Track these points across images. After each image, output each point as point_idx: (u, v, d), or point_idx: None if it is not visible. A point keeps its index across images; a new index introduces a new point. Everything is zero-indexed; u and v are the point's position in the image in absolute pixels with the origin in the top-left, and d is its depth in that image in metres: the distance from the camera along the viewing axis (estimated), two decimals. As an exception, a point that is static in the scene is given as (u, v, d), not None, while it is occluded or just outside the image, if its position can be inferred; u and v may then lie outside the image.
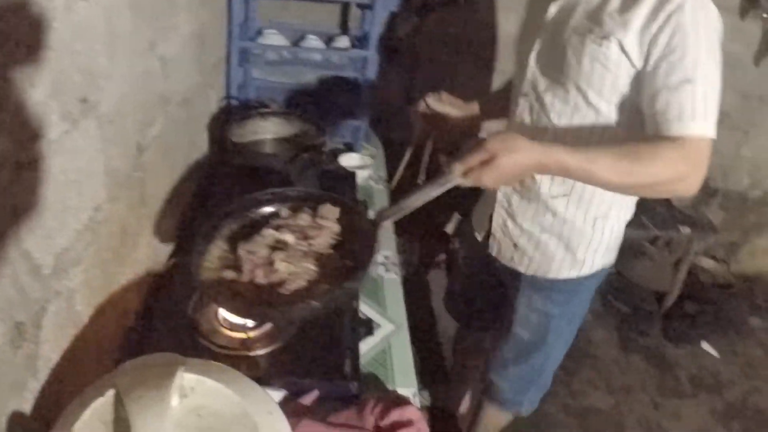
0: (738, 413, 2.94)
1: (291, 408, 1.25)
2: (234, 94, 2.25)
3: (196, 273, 1.21)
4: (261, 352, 1.31)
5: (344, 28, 2.52)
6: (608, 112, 1.36)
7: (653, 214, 3.13)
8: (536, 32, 1.46)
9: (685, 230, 3.14)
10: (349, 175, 1.97)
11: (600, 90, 1.33)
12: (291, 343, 1.35)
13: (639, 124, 1.31)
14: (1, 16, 0.84)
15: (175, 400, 0.90)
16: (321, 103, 2.32)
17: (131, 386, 0.89)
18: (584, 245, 1.58)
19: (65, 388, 1.13)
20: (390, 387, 1.43)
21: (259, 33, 2.40)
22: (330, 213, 1.33)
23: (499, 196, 1.62)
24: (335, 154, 2.13)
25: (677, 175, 1.22)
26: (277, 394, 1.27)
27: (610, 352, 3.18)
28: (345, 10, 2.59)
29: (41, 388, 1.06)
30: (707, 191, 3.50)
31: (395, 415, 1.26)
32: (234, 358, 1.28)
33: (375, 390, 1.41)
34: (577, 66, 1.33)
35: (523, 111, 1.51)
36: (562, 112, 1.41)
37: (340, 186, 1.91)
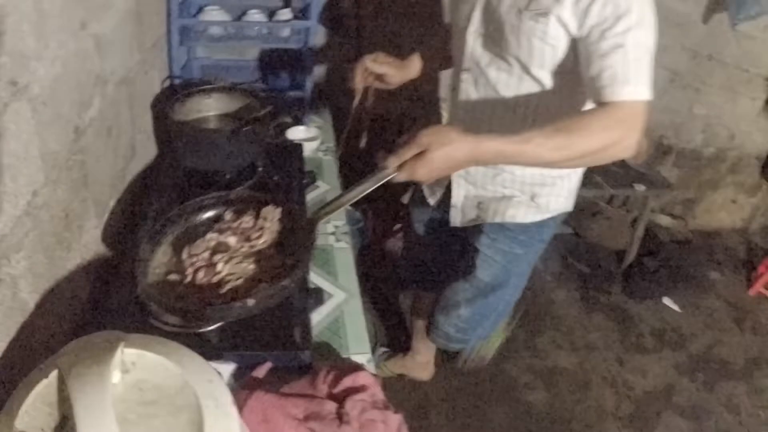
0: (702, 365, 3.03)
1: (243, 381, 1.26)
2: (177, 74, 2.22)
3: (142, 279, 1.23)
4: (211, 327, 1.30)
5: (286, 1, 2.49)
6: (552, 82, 1.39)
7: (608, 173, 3.18)
8: (469, 8, 1.48)
9: (641, 188, 3.20)
10: (296, 148, 1.96)
11: (541, 63, 1.36)
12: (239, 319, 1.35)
13: (582, 91, 1.35)
14: None
15: (116, 376, 0.90)
16: (267, 77, 2.31)
17: (73, 365, 0.88)
18: (546, 194, 1.64)
19: (16, 377, 1.12)
20: (344, 355, 1.45)
21: (200, 10, 2.36)
22: (271, 214, 1.37)
23: None
24: (281, 127, 2.11)
25: (610, 141, 1.24)
26: (229, 368, 1.28)
27: (572, 312, 3.24)
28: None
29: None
30: (661, 149, 3.56)
31: (348, 381, 1.28)
32: (185, 336, 1.27)
33: (330, 358, 1.43)
34: (515, 42, 1.36)
35: (468, 85, 1.54)
36: (509, 84, 1.45)
37: (286, 159, 1.89)
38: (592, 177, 3.09)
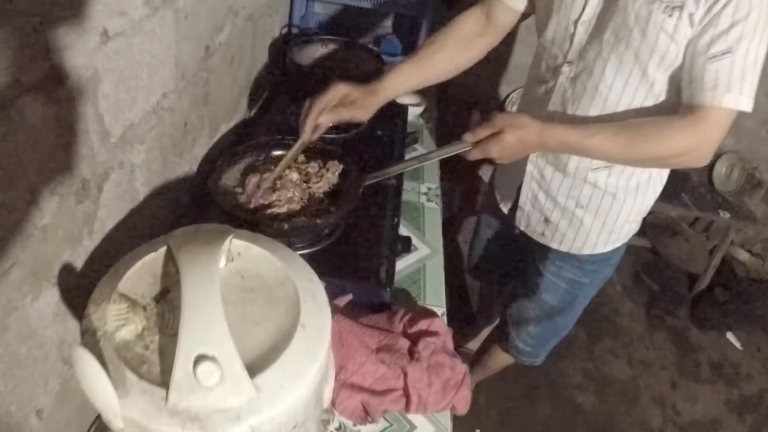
0: (753, 407, 2.95)
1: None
2: (296, 23, 2.30)
3: (214, 185, 1.39)
4: (303, 251, 1.37)
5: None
6: (662, 83, 1.31)
7: (695, 194, 3.13)
8: None
9: (725, 216, 3.13)
10: (401, 109, 2.02)
11: (661, 61, 1.27)
12: (332, 246, 1.43)
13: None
14: None
15: (222, 261, 0.96)
16: (380, 40, 2.36)
17: (183, 245, 0.94)
18: (623, 217, 1.55)
19: (115, 255, 1.21)
20: (420, 303, 1.51)
21: (326, -33, 2.43)
22: (334, 167, 1.48)
23: (530, 167, 1.57)
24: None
25: (684, 149, 1.25)
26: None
27: (635, 326, 3.20)
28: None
29: (93, 248, 1.14)
30: (752, 182, 3.48)
31: (423, 324, 1.33)
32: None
33: (407, 302, 1.49)
34: (640, 36, 1.25)
35: (566, 80, 1.42)
36: (615, 82, 1.34)
37: (392, 118, 1.95)
38: (679, 195, 3.05)
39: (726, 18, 1.17)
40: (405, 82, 1.50)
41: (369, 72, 1.78)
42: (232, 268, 0.98)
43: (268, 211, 1.36)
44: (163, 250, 0.98)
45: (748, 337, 3.33)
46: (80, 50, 0.94)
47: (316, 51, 1.93)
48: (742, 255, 3.76)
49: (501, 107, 3.07)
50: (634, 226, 1.61)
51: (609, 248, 1.62)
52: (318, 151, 1.52)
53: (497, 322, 2.17)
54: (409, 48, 2.47)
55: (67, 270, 1.05)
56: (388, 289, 1.38)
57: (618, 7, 1.27)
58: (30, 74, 0.84)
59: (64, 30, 0.89)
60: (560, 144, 1.29)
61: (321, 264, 1.35)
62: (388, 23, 2.56)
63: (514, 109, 3.02)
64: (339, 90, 1.39)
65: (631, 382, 2.89)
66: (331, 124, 1.41)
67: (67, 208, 1.01)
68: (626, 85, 1.33)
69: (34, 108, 0.86)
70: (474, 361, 2.33)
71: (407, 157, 1.91)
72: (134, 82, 1.15)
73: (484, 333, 2.43)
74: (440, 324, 1.35)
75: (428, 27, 2.35)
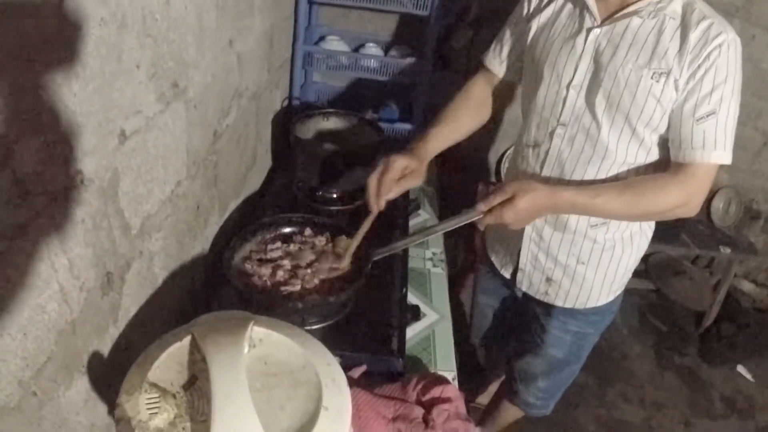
0: (769, 438, 2.93)
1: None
2: (296, 95, 2.39)
3: (227, 264, 1.45)
4: (316, 327, 1.42)
5: (401, 37, 2.63)
6: (651, 141, 1.40)
7: (695, 232, 3.16)
8: (569, 56, 1.43)
9: (726, 251, 3.16)
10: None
11: (648, 122, 1.36)
12: (343, 321, 1.47)
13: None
14: (118, 3, 0.99)
15: (245, 348, 1.00)
16: (378, 107, 2.43)
17: (207, 333, 0.99)
18: (622, 267, 1.61)
19: (138, 340, 1.26)
20: (432, 369, 1.54)
21: (322, 38, 2.54)
22: (342, 243, 1.55)
23: (528, 229, 1.62)
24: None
25: (678, 203, 1.35)
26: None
27: (645, 367, 3.20)
28: (401, 19, 2.69)
29: (118, 335, 1.19)
30: (750, 213, 3.51)
31: (436, 392, 1.36)
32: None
33: (419, 371, 1.51)
34: (629, 99, 1.35)
35: (561, 141, 1.48)
36: (609, 142, 1.42)
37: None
38: (679, 235, 3.09)
39: (708, 83, 1.29)
40: (442, 144, 1.60)
41: (371, 143, 1.84)
42: (254, 354, 1.02)
43: (282, 288, 1.41)
44: (188, 339, 1.02)
45: (759, 368, 3.33)
46: (100, 154, 1.01)
47: (318, 124, 2.00)
48: (747, 286, 3.77)
49: (498, 162, 3.13)
50: (631, 273, 1.67)
51: (611, 298, 1.67)
52: (325, 226, 1.59)
53: (504, 376, 2.20)
54: (406, 113, 2.55)
55: (95, 358, 1.10)
56: (401, 359, 1.43)
57: (608, 72, 1.37)
58: (54, 183, 0.90)
59: (85, 138, 0.95)
60: (570, 205, 1.36)
61: (334, 338, 1.42)
62: (384, 90, 2.65)
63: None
64: (400, 163, 1.45)
65: (645, 424, 2.87)
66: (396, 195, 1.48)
67: (93, 302, 1.06)
68: (619, 141, 1.41)
69: (61, 212, 0.92)
70: (485, 415, 2.35)
71: (411, 223, 1.97)
72: (150, 176, 1.21)
73: (493, 387, 2.44)
74: (452, 390, 1.38)
75: (424, 91, 2.43)
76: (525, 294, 1.75)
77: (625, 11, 1.34)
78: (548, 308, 1.72)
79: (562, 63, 1.44)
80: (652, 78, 1.32)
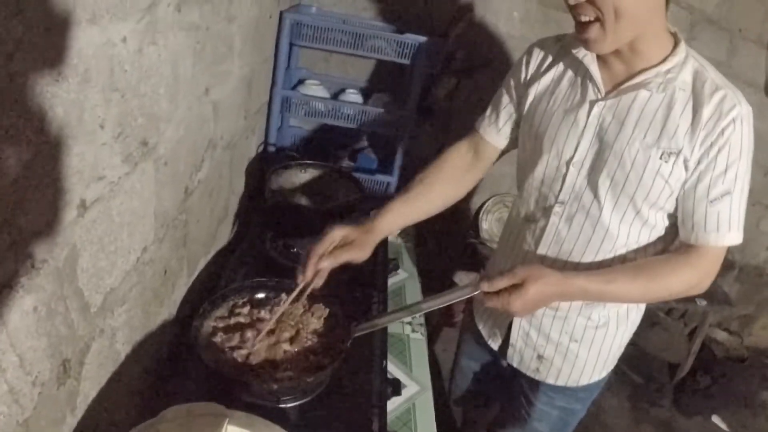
0: (745, 490, 2.88)
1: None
2: (272, 141, 2.29)
3: (196, 334, 1.34)
4: (291, 405, 1.31)
5: (383, 83, 2.56)
6: (655, 221, 1.33)
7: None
8: (570, 131, 1.33)
9: (702, 303, 3.13)
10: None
11: (655, 203, 1.28)
12: (320, 397, 1.36)
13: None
14: (80, 54, 0.86)
15: (219, 454, 0.90)
16: (356, 155, 2.35)
17: (176, 435, 0.89)
18: (616, 344, 1.52)
19: (98, 425, 1.14)
20: (413, 447, 1.43)
21: (301, 82, 2.45)
22: (319, 312, 1.45)
23: None
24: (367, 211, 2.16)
25: (690, 285, 1.29)
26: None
27: (621, 422, 3.14)
28: (382, 66, 2.61)
29: (77, 424, 1.07)
30: (725, 264, 3.48)
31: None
32: (264, 409, 1.28)
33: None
34: (636, 180, 1.26)
35: (559, 219, 1.39)
36: (611, 222, 1.32)
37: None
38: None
39: (722, 161, 1.20)
40: (399, 220, 1.48)
41: (349, 200, 1.75)
42: (228, 459, 0.92)
43: (254, 362, 1.30)
44: (154, 441, 0.92)
45: (734, 417, 3.30)
46: (54, 231, 0.88)
47: (295, 176, 1.90)
48: (720, 335, 3.74)
49: (476, 215, 3.06)
50: (623, 348, 1.58)
51: (603, 375, 1.58)
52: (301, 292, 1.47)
53: None
54: (385, 162, 2.48)
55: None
56: (382, 441, 1.31)
57: (614, 151, 1.27)
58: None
59: (35, 215, 0.83)
60: (582, 292, 1.28)
61: (310, 418, 1.32)
62: (363, 137, 2.57)
63: (489, 217, 3.03)
64: (336, 234, 1.35)
65: (621, 480, 2.81)
66: (334, 266, 1.36)
67: (48, 395, 0.95)
68: (621, 223, 1.32)
69: (7, 305, 0.80)
70: None
71: (390, 281, 1.87)
72: (113, 246, 1.09)
73: None
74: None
75: (405, 142, 2.36)
76: (512, 366, 1.64)
77: (632, 83, 1.25)
78: (536, 382, 1.62)
79: (562, 138, 1.34)
80: (660, 158, 1.23)
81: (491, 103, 1.54)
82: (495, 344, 1.65)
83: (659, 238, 1.36)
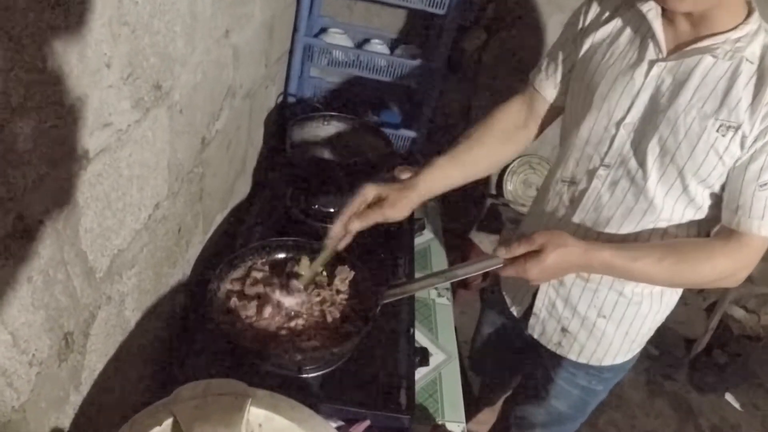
0: (755, 468, 2.86)
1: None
2: (292, 91, 2.17)
3: (212, 297, 1.25)
4: (314, 374, 1.21)
5: (409, 36, 2.42)
6: (702, 199, 1.21)
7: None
8: (625, 90, 1.22)
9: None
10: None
11: (705, 179, 1.17)
12: (345, 367, 1.27)
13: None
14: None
15: (240, 439, 0.81)
16: (380, 109, 2.23)
17: (194, 418, 0.80)
18: (646, 325, 1.41)
19: (106, 400, 1.05)
20: (439, 421, 1.38)
21: (323, 31, 2.32)
22: (344, 274, 1.36)
23: None
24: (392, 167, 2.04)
25: (723, 275, 1.20)
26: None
27: (635, 395, 3.11)
28: (410, 16, 2.48)
29: (82, 401, 0.98)
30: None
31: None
32: (285, 379, 1.18)
33: (424, 421, 1.35)
34: (688, 151, 1.15)
35: (602, 183, 1.28)
36: (656, 193, 1.22)
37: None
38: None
39: None
40: (444, 179, 1.36)
41: (377, 155, 1.63)
42: (252, 442, 0.82)
43: (274, 329, 1.22)
44: (169, 422, 0.82)
45: (746, 396, 3.26)
46: (52, 186, 0.76)
47: (317, 128, 1.78)
48: (738, 312, 3.69)
49: (500, 176, 2.94)
50: (654, 330, 1.48)
51: (629, 357, 1.48)
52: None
53: (497, 404, 2.09)
54: (409, 118, 2.35)
55: (53, 434, 0.89)
56: (409, 416, 1.22)
57: (667, 117, 1.16)
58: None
59: (29, 167, 0.71)
60: (604, 266, 1.19)
61: (335, 389, 1.23)
62: (387, 91, 2.44)
63: (514, 179, 2.93)
64: (368, 192, 1.25)
65: (635, 455, 2.77)
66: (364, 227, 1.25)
67: (48, 375, 0.85)
68: (667, 196, 1.21)
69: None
70: None
71: (417, 241, 1.78)
72: (121, 203, 0.97)
73: (483, 415, 2.28)
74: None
75: (433, 96, 2.23)
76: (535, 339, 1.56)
77: (697, 46, 1.12)
78: (558, 358, 1.52)
79: (615, 96, 1.23)
80: (717, 131, 1.11)
81: (547, 55, 1.41)
82: (517, 312, 1.56)
83: (702, 221, 1.24)
